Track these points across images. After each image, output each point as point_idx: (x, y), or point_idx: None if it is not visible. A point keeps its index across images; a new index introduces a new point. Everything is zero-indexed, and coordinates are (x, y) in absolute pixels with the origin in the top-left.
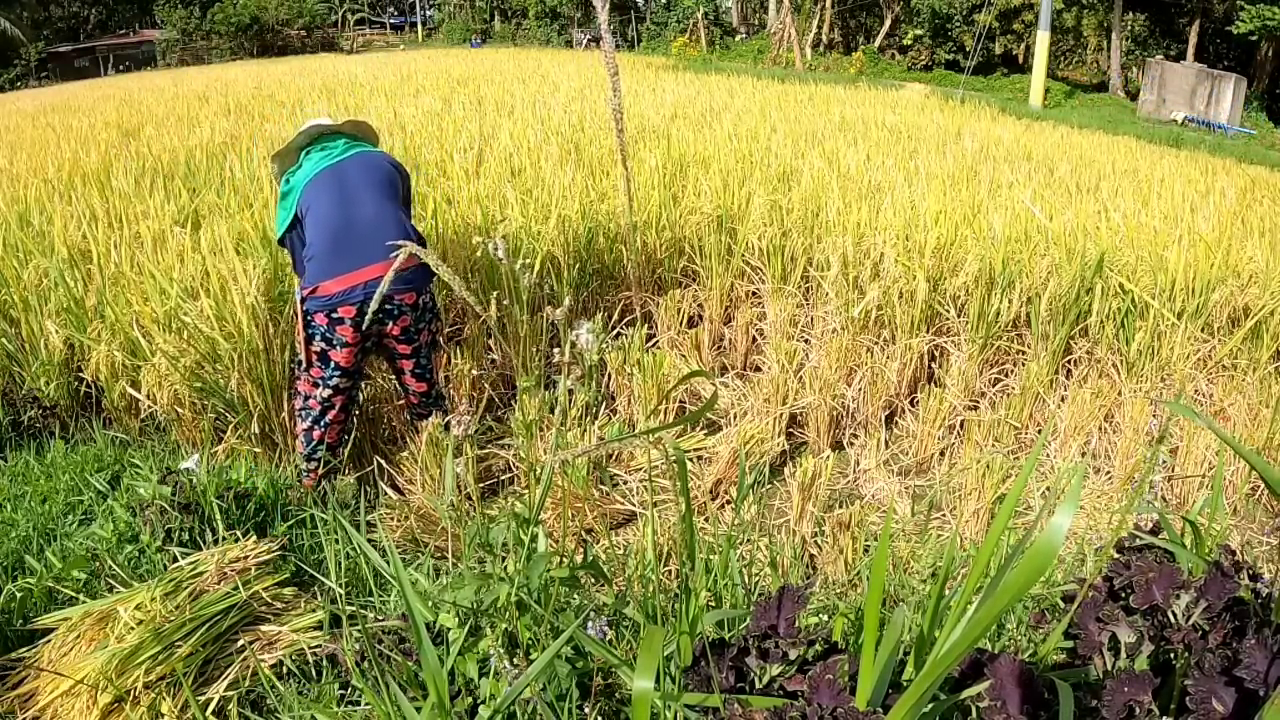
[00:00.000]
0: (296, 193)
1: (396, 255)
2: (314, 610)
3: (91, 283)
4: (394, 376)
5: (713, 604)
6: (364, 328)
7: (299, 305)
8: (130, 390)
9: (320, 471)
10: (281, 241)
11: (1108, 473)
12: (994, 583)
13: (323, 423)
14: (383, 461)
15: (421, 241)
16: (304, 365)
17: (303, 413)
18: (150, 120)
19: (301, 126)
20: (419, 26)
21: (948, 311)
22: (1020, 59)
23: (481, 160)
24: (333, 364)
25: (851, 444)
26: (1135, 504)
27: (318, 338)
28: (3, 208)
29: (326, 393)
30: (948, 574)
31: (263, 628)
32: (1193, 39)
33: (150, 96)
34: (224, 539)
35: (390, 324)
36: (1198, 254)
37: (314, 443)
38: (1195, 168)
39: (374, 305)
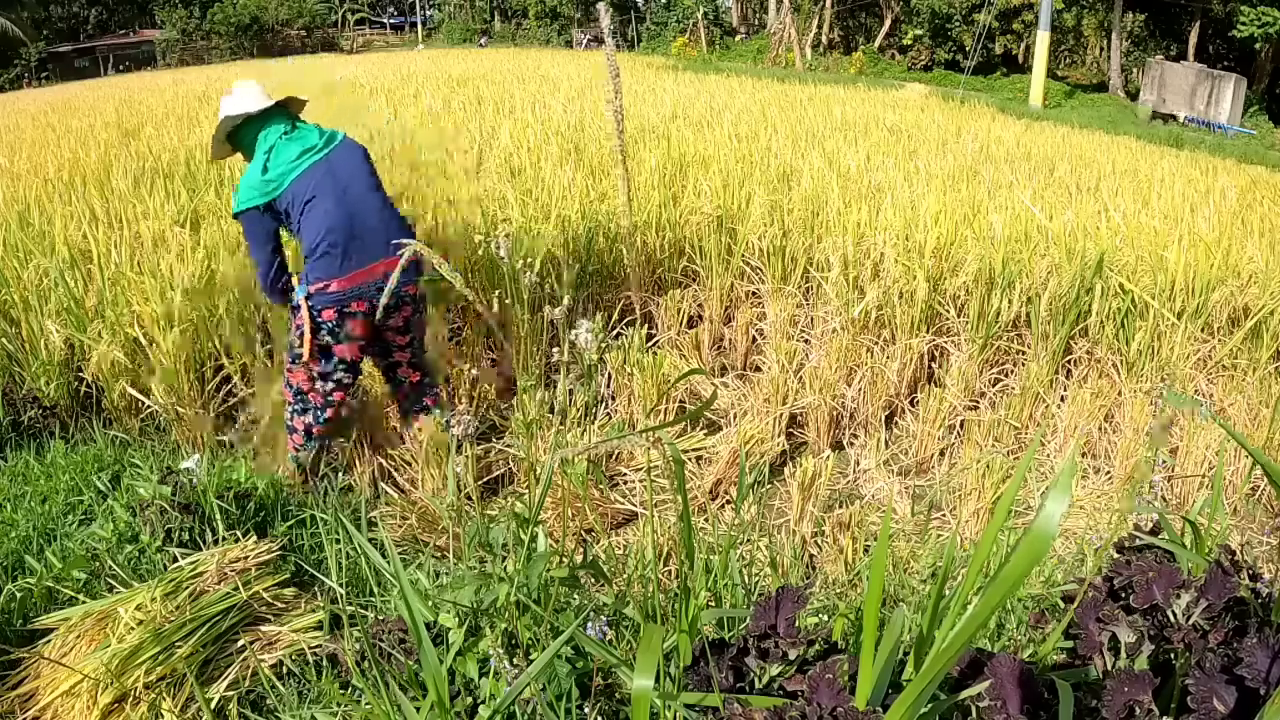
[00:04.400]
0: (282, 183)
1: (402, 250)
2: (314, 610)
3: (91, 283)
4: (385, 372)
5: (712, 604)
6: (376, 321)
7: (302, 300)
8: (130, 390)
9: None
10: (239, 216)
11: (1108, 473)
12: (992, 580)
13: (322, 419)
14: (383, 460)
15: (412, 232)
16: (300, 359)
17: (298, 408)
18: (150, 120)
19: (226, 108)
20: (419, 26)
21: (948, 311)
22: (1020, 59)
23: (481, 160)
24: (336, 358)
25: (851, 444)
26: (1135, 504)
27: (324, 332)
28: (3, 208)
29: (329, 386)
30: (947, 574)
31: (263, 628)
32: (1193, 39)
33: (150, 96)
34: (224, 539)
35: (395, 316)
36: (1198, 254)
37: (309, 439)
38: (1195, 168)
39: (384, 299)
